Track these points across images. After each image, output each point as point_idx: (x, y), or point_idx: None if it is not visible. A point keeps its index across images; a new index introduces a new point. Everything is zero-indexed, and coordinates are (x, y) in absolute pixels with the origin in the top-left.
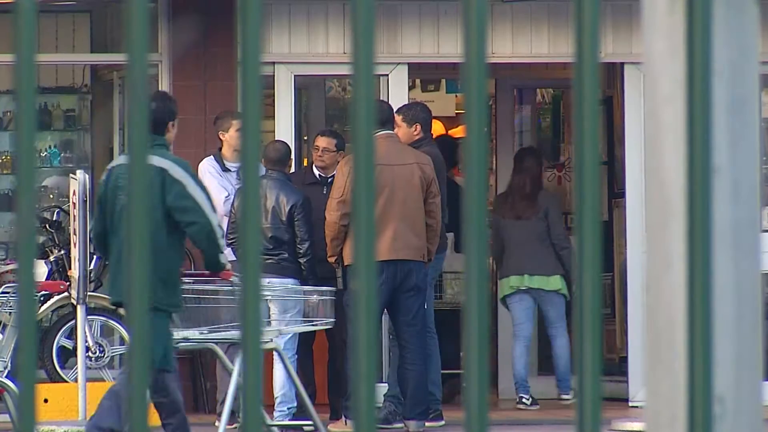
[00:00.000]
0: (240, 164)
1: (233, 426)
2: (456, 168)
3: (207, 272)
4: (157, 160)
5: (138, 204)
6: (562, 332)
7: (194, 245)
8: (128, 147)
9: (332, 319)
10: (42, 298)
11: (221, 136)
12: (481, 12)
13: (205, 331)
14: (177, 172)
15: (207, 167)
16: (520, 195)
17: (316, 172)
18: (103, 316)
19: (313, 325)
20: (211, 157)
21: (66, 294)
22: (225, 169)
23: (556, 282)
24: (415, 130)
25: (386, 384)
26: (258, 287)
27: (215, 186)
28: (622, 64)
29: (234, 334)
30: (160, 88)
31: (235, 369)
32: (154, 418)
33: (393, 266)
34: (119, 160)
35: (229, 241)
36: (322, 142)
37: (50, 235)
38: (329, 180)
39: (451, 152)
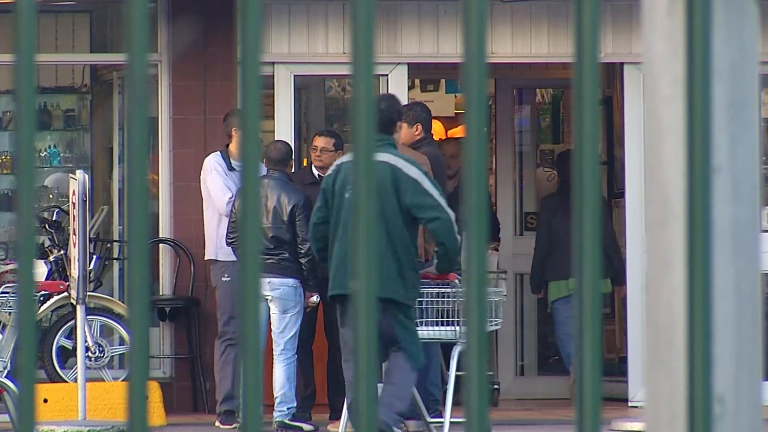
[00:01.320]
0: (240, 164)
1: (233, 426)
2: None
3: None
4: (389, 158)
5: (138, 204)
6: None
7: (435, 240)
8: (245, 146)
9: (501, 319)
10: (42, 298)
11: (234, 133)
12: (481, 12)
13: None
14: (411, 170)
15: (213, 164)
16: None
17: (316, 172)
18: (102, 316)
19: (491, 324)
20: (218, 153)
21: (66, 294)
22: (230, 168)
23: (608, 285)
24: (416, 130)
25: None
26: (258, 287)
27: (220, 186)
28: (622, 64)
29: (442, 332)
30: (159, 88)
31: (452, 364)
32: (155, 418)
33: None
34: (349, 156)
35: (230, 241)
36: (320, 141)
37: (50, 235)
38: None
39: None
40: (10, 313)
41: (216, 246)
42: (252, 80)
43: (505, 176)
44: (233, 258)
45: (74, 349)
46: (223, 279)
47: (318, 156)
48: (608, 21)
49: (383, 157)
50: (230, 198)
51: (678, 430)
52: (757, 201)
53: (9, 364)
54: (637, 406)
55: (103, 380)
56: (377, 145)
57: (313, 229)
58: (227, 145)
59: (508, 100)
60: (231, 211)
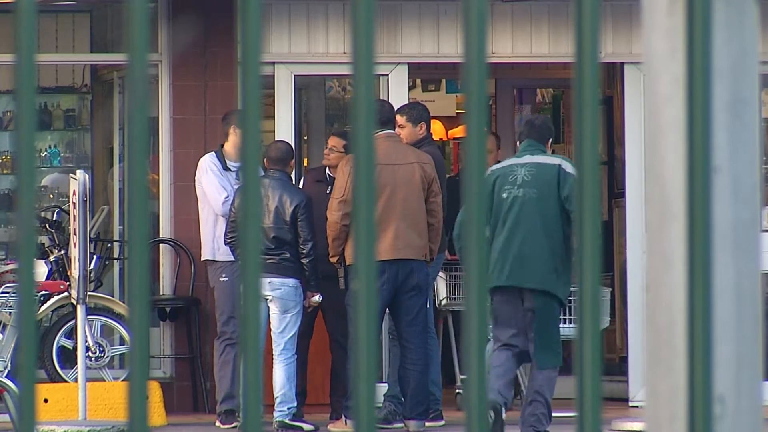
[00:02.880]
0: (240, 164)
1: (233, 426)
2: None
3: None
4: (551, 159)
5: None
6: None
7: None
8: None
9: (608, 318)
10: (42, 298)
11: (232, 132)
12: (481, 12)
13: None
14: (568, 166)
15: (209, 164)
16: None
17: (328, 172)
18: (103, 316)
19: (603, 321)
20: (213, 153)
21: (66, 294)
22: (225, 168)
23: None
24: (420, 129)
25: (386, 384)
26: (258, 287)
27: (216, 186)
28: (622, 64)
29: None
30: (160, 88)
31: None
32: (155, 418)
33: (394, 266)
34: (505, 161)
35: (228, 240)
36: (331, 140)
37: (50, 235)
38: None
39: None
40: (10, 313)
41: (213, 246)
42: (252, 80)
43: None
44: (231, 258)
45: (74, 349)
46: (221, 279)
47: (326, 154)
48: (608, 21)
49: (540, 158)
50: (226, 198)
51: (678, 430)
52: (757, 201)
53: (9, 364)
54: (637, 406)
55: (103, 380)
56: (532, 150)
57: (459, 228)
58: (221, 146)
59: (509, 100)
60: (230, 210)
